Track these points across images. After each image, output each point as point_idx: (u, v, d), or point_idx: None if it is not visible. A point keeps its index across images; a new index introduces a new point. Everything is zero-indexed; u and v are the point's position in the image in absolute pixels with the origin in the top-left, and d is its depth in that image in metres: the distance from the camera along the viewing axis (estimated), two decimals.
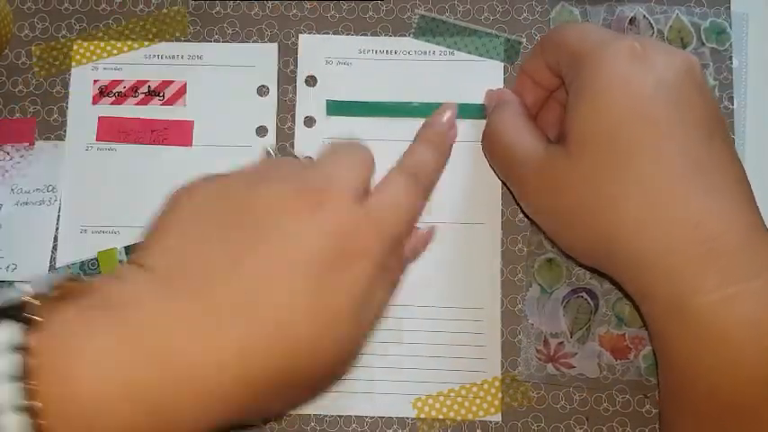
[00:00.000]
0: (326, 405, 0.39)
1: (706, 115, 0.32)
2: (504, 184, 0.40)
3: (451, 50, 0.41)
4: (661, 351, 0.33)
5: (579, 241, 0.34)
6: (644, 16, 0.41)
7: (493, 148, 0.38)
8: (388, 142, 0.41)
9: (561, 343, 0.39)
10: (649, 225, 0.31)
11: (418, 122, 0.40)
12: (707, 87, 0.33)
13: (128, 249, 0.39)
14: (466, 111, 0.40)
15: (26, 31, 0.42)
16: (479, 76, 0.41)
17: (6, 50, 0.42)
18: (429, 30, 0.41)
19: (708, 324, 0.30)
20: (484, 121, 0.40)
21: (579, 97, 0.33)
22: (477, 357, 0.39)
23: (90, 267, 0.39)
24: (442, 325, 0.39)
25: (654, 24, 0.41)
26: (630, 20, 0.41)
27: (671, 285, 0.31)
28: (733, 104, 0.41)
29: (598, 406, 0.39)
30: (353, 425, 0.39)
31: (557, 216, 0.35)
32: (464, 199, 0.40)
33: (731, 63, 0.41)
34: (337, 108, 0.41)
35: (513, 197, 0.39)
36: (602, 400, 0.39)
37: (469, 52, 0.41)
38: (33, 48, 0.42)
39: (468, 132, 0.41)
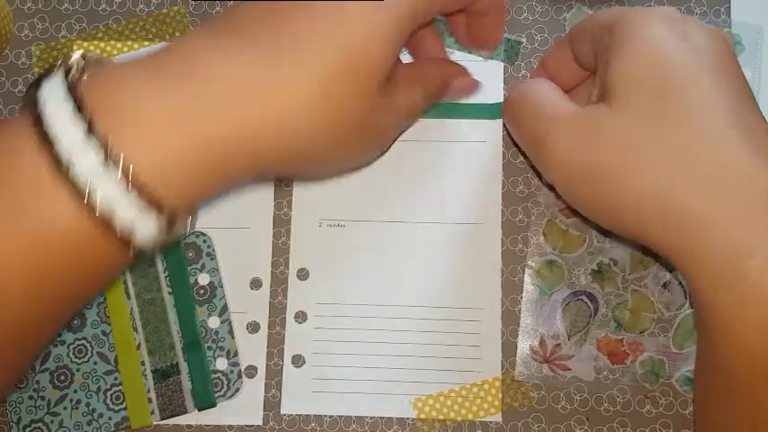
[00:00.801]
0: (327, 405, 0.39)
1: (741, 85, 0.31)
2: (524, 156, 0.39)
3: (451, 50, 0.41)
4: (707, 325, 0.30)
5: (612, 201, 0.31)
6: None
7: (519, 109, 0.35)
8: None
9: (558, 345, 0.39)
10: (702, 176, 0.29)
11: (418, 123, 0.41)
12: (738, 63, 0.32)
13: None
14: (466, 111, 0.40)
15: (26, 32, 0.42)
16: (479, 76, 0.40)
17: (6, 50, 0.42)
18: None
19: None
20: (484, 122, 0.40)
21: (618, 49, 0.31)
22: (477, 357, 0.39)
23: None
24: (443, 325, 0.39)
25: None
26: None
27: (723, 244, 0.28)
28: None
29: (599, 406, 0.39)
30: (353, 425, 0.38)
31: (590, 175, 0.31)
32: (464, 199, 0.40)
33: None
34: None
35: (535, 172, 0.38)
36: (603, 401, 0.39)
37: (469, 52, 0.41)
38: (33, 48, 0.42)
39: (469, 132, 0.40)
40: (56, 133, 0.25)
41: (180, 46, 0.28)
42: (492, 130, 0.41)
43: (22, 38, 0.42)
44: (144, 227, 0.26)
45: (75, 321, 0.38)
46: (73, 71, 0.26)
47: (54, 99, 0.25)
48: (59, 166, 0.25)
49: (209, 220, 0.40)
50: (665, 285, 0.39)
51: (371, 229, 0.40)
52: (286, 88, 0.28)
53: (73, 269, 0.27)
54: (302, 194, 0.40)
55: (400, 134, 0.39)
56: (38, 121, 0.25)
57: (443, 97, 0.38)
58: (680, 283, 0.39)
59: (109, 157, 0.25)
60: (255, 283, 0.40)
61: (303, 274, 0.40)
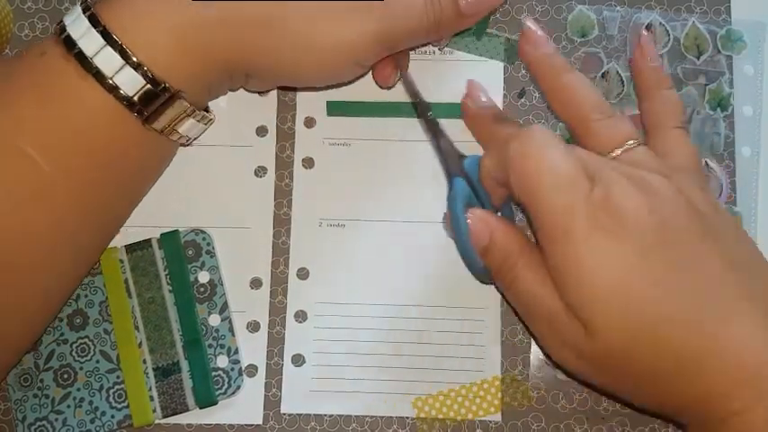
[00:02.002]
0: (327, 404, 0.39)
1: (713, 226, 0.32)
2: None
3: (451, 50, 0.41)
4: None
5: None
6: (660, 23, 0.41)
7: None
8: (388, 142, 0.41)
9: None
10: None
11: (419, 122, 0.41)
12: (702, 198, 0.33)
13: (129, 249, 0.39)
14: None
15: (26, 31, 0.42)
16: (479, 76, 0.41)
17: (7, 50, 0.42)
18: None
19: None
20: None
21: (566, 282, 0.31)
22: (477, 357, 0.39)
23: (92, 267, 0.39)
24: (442, 325, 0.39)
25: (670, 32, 0.41)
26: (647, 26, 0.41)
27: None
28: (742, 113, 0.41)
29: (598, 406, 0.39)
30: (353, 424, 0.39)
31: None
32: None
33: (727, 73, 0.41)
34: (338, 108, 0.41)
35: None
36: (602, 400, 0.39)
37: (469, 52, 0.41)
38: None
39: (469, 132, 0.40)
40: (72, 35, 0.33)
41: None
42: None
43: (22, 37, 0.42)
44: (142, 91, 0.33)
45: (78, 320, 0.39)
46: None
47: (72, 14, 0.34)
48: (81, 60, 0.32)
49: (209, 220, 0.40)
50: None
51: (371, 229, 0.40)
52: None
53: (101, 141, 0.33)
54: (302, 194, 0.40)
55: (391, 49, 0.36)
56: (58, 29, 0.34)
57: (460, 16, 0.36)
58: None
59: (110, 42, 0.32)
60: (255, 283, 0.40)
61: (303, 274, 0.40)
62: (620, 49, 0.41)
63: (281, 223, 0.40)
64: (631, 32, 0.41)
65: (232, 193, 0.40)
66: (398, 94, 0.41)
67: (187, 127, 0.36)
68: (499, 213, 0.38)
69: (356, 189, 0.40)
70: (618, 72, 0.41)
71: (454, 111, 0.40)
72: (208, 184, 0.40)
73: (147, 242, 0.39)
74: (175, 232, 0.40)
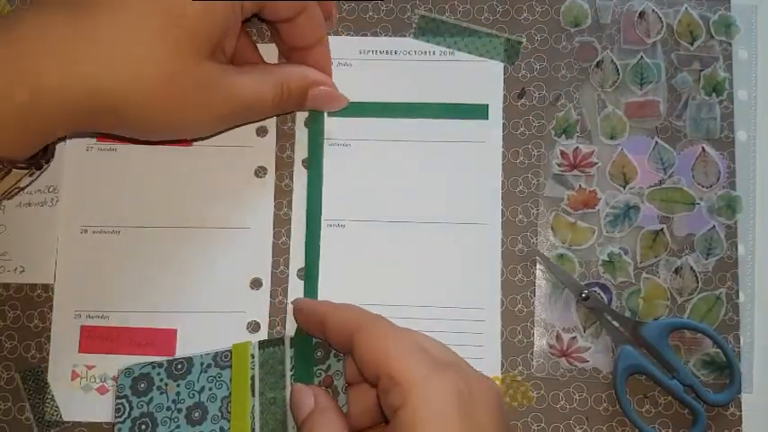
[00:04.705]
0: None
1: None
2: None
3: (451, 50, 0.41)
4: None
5: None
6: (653, 10, 0.41)
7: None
8: (388, 142, 0.41)
9: (574, 338, 0.39)
10: None
11: (418, 123, 0.41)
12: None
13: (262, 344, 0.37)
14: (466, 111, 0.40)
15: None
16: (479, 76, 0.41)
17: None
18: (429, 30, 0.41)
19: None
20: (484, 122, 0.40)
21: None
22: (477, 357, 0.39)
23: (223, 359, 0.37)
24: (442, 325, 0.39)
25: (663, 18, 0.41)
26: (640, 14, 0.41)
27: None
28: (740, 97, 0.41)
29: (598, 406, 0.39)
30: None
31: None
32: (464, 199, 0.40)
33: (721, 58, 0.41)
34: None
35: None
36: (602, 400, 0.39)
37: (469, 52, 0.41)
38: None
39: (469, 132, 0.41)
40: None
41: (18, 14, 0.33)
42: (492, 130, 0.41)
43: None
44: None
45: (197, 414, 0.36)
46: None
47: None
48: None
49: (208, 220, 0.40)
50: (676, 271, 0.39)
51: (371, 229, 0.40)
52: (103, 45, 0.32)
53: None
54: (302, 194, 0.40)
55: (243, 121, 0.39)
56: None
57: (303, 104, 0.39)
58: (691, 268, 0.39)
59: None
60: (255, 283, 0.40)
61: (303, 274, 0.40)
62: (614, 37, 0.41)
63: (281, 223, 0.40)
64: (624, 20, 0.41)
65: (232, 193, 0.40)
66: (398, 94, 0.41)
67: (24, 182, 0.36)
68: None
69: (356, 189, 0.40)
70: (612, 60, 0.41)
71: (454, 111, 0.40)
72: (208, 184, 0.40)
73: (281, 339, 0.37)
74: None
